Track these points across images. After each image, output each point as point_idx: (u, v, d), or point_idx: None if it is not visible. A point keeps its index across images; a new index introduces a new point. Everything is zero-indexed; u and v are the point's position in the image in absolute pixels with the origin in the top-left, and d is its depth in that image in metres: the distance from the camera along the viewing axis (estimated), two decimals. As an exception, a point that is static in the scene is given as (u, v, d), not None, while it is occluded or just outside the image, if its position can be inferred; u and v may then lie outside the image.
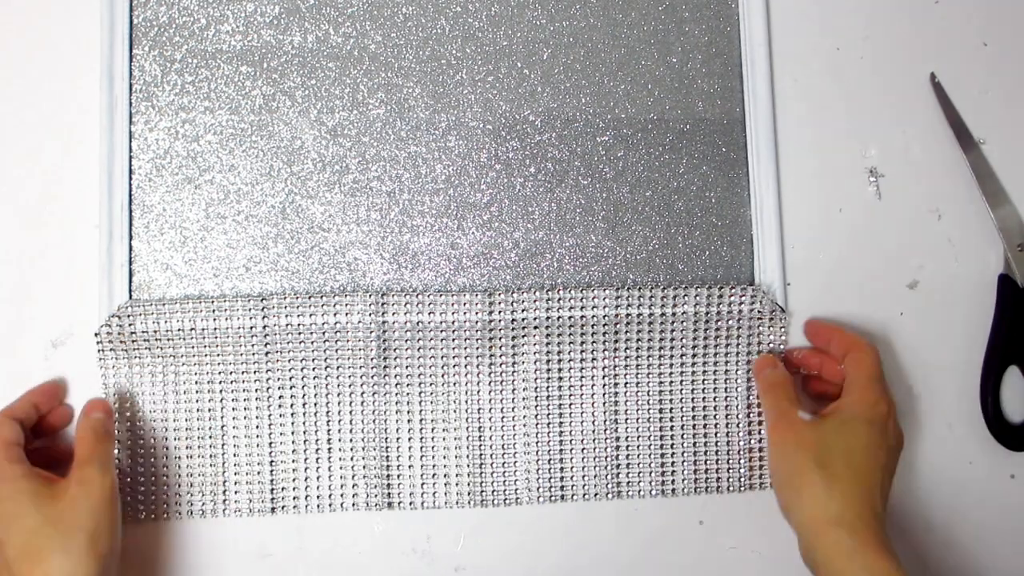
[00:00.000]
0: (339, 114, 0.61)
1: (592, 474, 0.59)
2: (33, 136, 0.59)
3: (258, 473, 0.58)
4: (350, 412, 0.58)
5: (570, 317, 0.59)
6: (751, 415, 0.60)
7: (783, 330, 0.60)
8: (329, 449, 0.58)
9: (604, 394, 0.59)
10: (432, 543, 0.59)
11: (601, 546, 0.60)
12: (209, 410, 0.58)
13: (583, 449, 0.59)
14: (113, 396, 0.57)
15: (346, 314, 0.57)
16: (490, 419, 0.59)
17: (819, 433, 0.53)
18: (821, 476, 0.51)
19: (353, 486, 0.58)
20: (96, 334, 0.57)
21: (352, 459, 0.58)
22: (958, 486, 0.61)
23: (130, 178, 0.59)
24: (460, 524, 0.59)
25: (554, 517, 0.60)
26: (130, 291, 0.58)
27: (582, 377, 0.59)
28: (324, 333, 0.57)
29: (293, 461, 0.58)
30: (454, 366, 0.59)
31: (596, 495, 0.59)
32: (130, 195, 0.59)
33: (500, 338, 0.59)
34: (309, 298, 0.57)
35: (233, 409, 0.58)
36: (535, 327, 0.59)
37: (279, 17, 0.61)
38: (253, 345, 0.57)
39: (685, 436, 0.60)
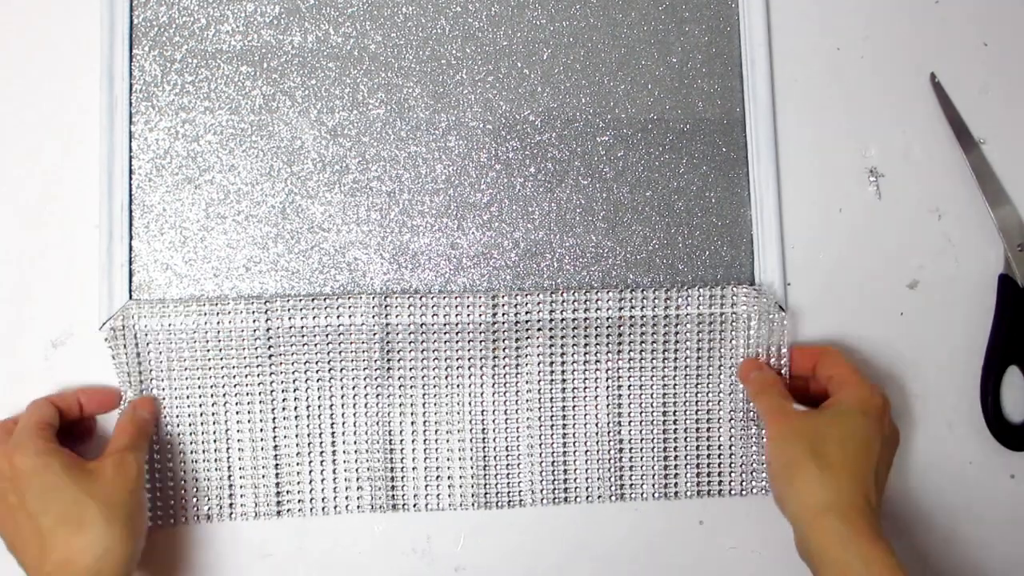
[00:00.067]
0: (339, 114, 0.61)
1: (595, 476, 0.59)
2: (33, 136, 0.59)
3: (263, 476, 0.58)
4: (354, 415, 0.58)
5: (574, 319, 0.59)
6: (755, 417, 0.60)
7: (784, 330, 0.60)
8: (333, 452, 0.58)
9: (607, 396, 0.59)
10: (432, 543, 0.59)
11: (601, 546, 0.60)
12: (213, 414, 0.58)
13: (586, 451, 0.59)
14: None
15: (349, 316, 0.57)
16: (494, 421, 0.59)
17: (814, 423, 0.54)
18: (815, 464, 0.51)
19: (358, 488, 0.58)
20: (105, 339, 0.56)
21: (356, 461, 0.58)
22: (958, 486, 0.61)
23: (130, 178, 0.59)
24: (460, 524, 0.59)
25: (554, 517, 0.60)
26: (130, 291, 0.58)
27: (585, 379, 0.59)
28: (327, 336, 0.57)
29: (298, 464, 0.58)
30: (457, 368, 0.59)
31: (599, 497, 0.59)
32: (130, 195, 0.59)
33: (503, 340, 0.59)
34: (312, 300, 0.57)
35: (237, 413, 0.58)
36: (538, 329, 0.59)
37: (279, 17, 0.61)
38: (256, 348, 0.57)
39: (688, 439, 0.60)
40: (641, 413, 0.60)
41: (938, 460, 0.61)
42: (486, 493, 0.59)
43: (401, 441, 0.58)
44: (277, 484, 0.58)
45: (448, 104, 0.61)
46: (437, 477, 0.59)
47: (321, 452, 0.58)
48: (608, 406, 0.59)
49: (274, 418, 0.58)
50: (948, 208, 0.63)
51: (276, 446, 0.58)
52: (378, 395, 0.58)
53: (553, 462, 0.59)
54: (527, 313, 0.58)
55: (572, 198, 0.61)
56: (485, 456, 0.59)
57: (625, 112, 0.62)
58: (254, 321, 0.57)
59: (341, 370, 0.58)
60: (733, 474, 0.60)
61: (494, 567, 0.59)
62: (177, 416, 0.57)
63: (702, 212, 0.62)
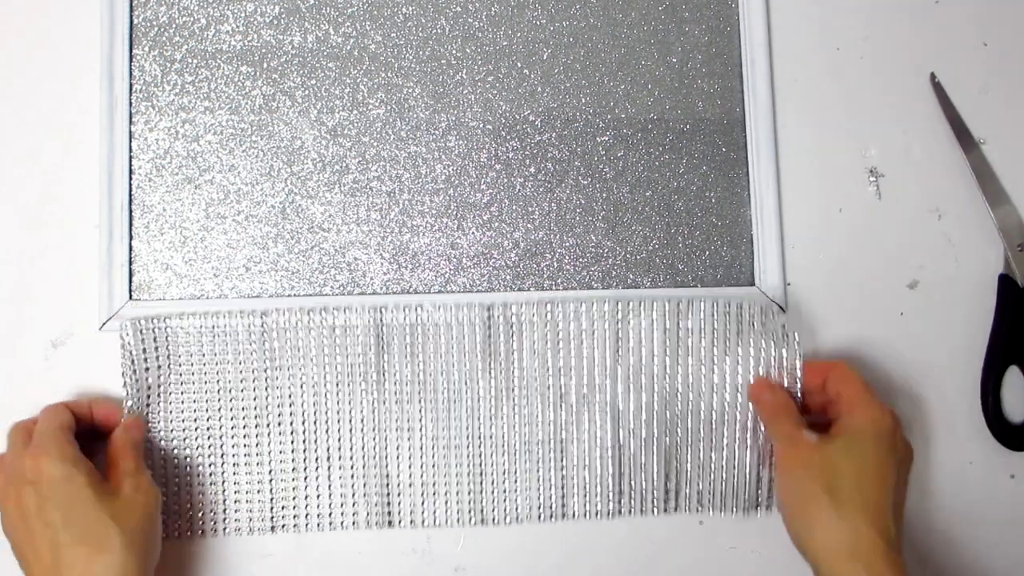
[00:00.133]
0: (339, 114, 0.61)
1: (595, 493, 0.59)
2: (33, 136, 0.59)
3: (258, 492, 0.57)
4: (349, 430, 0.58)
5: (572, 329, 0.58)
6: (757, 431, 0.58)
7: (796, 349, 0.58)
8: (328, 467, 0.58)
9: (609, 410, 0.59)
10: (432, 543, 0.59)
11: (601, 546, 0.60)
12: (208, 428, 0.57)
13: (586, 466, 0.59)
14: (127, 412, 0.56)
15: (344, 330, 0.57)
16: (491, 436, 0.58)
17: (826, 455, 0.52)
18: (831, 503, 0.50)
19: (353, 504, 0.58)
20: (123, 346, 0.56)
21: (352, 477, 0.58)
22: (958, 486, 0.61)
23: (130, 178, 0.59)
24: (460, 524, 0.59)
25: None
26: (130, 291, 0.58)
27: (585, 393, 0.59)
28: (323, 348, 0.57)
29: (293, 479, 0.57)
30: (454, 382, 0.58)
31: (597, 514, 0.59)
32: (130, 195, 0.59)
33: (500, 354, 0.58)
34: (308, 313, 0.57)
35: (232, 428, 0.57)
36: (535, 339, 0.58)
37: (279, 17, 0.61)
38: (252, 363, 0.57)
39: (691, 452, 0.59)
40: (644, 428, 0.59)
41: (938, 460, 0.61)
42: (483, 509, 0.58)
43: (397, 457, 0.58)
44: (271, 500, 0.57)
45: (448, 104, 0.61)
46: (433, 493, 0.58)
47: (316, 468, 0.57)
48: (609, 419, 0.58)
49: (269, 433, 0.57)
50: (948, 208, 0.63)
51: (271, 461, 0.57)
52: (373, 410, 0.58)
53: (551, 479, 0.59)
54: (523, 325, 0.58)
55: (572, 198, 0.61)
56: (482, 472, 0.58)
57: (625, 112, 0.62)
58: (250, 336, 0.56)
59: (336, 384, 0.57)
60: (738, 491, 0.59)
61: (494, 567, 0.59)
62: (172, 431, 0.57)
63: (702, 212, 0.62)
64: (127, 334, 0.56)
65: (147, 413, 0.56)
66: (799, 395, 0.58)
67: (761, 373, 0.58)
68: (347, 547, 0.58)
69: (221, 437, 0.57)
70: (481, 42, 0.62)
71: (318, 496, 0.58)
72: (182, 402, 0.57)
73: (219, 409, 0.57)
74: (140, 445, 0.55)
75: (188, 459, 0.57)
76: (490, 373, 0.58)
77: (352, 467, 0.58)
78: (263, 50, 0.61)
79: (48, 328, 0.58)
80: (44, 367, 0.58)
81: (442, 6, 0.62)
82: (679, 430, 0.59)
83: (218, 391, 0.57)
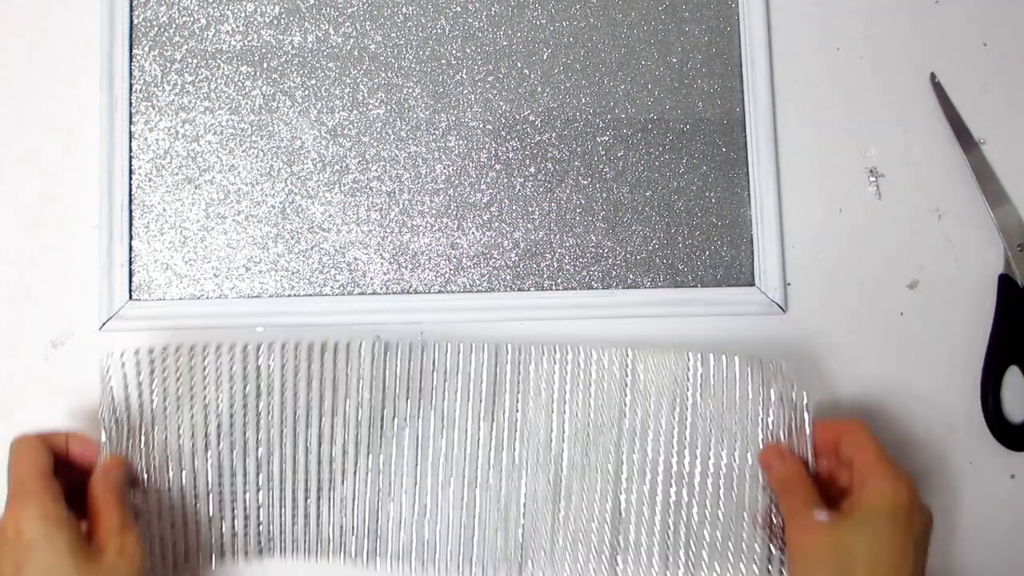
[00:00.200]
0: (339, 114, 0.61)
1: (589, 557, 0.56)
2: (33, 136, 0.59)
3: (245, 518, 0.56)
4: (343, 465, 0.56)
5: (580, 379, 0.57)
6: (765, 486, 0.56)
7: (806, 413, 0.55)
8: (319, 501, 0.56)
9: (610, 468, 0.56)
10: None
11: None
12: (193, 457, 0.55)
13: (576, 519, 0.57)
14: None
15: (345, 358, 0.55)
16: (488, 481, 0.57)
17: (840, 537, 0.49)
18: None
19: (341, 541, 0.56)
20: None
21: (341, 513, 0.56)
22: (958, 486, 0.61)
23: (130, 178, 0.59)
24: (460, 524, 0.59)
25: (554, 517, 0.60)
26: (130, 291, 0.58)
27: (587, 445, 0.57)
28: (322, 377, 0.56)
29: (280, 510, 0.56)
30: (453, 421, 0.56)
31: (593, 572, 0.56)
32: (130, 195, 0.59)
33: (504, 394, 0.57)
34: (306, 344, 0.55)
35: (220, 456, 0.55)
36: (539, 386, 0.57)
37: (279, 17, 0.61)
38: (245, 388, 0.55)
39: (696, 511, 0.56)
40: (647, 484, 0.56)
41: (938, 460, 0.61)
42: (472, 555, 0.56)
43: (390, 494, 0.56)
44: (258, 530, 0.56)
45: (448, 104, 0.61)
46: (425, 532, 0.56)
47: (306, 501, 0.56)
48: (611, 479, 0.56)
49: (258, 464, 0.55)
50: (948, 208, 0.63)
51: (259, 491, 0.56)
52: (369, 445, 0.56)
53: (545, 531, 0.56)
54: (530, 369, 0.56)
55: (572, 198, 0.61)
56: (476, 515, 0.57)
57: (625, 112, 0.62)
58: (245, 361, 0.55)
59: (333, 416, 0.56)
60: (736, 549, 0.56)
61: (494, 567, 0.59)
62: (158, 461, 0.54)
63: (702, 212, 0.62)
64: (107, 371, 0.54)
65: (128, 448, 0.54)
66: (811, 460, 0.55)
67: (770, 436, 0.56)
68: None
69: (208, 466, 0.55)
70: (481, 42, 0.62)
71: (306, 528, 0.56)
72: (165, 437, 0.55)
73: (206, 435, 0.55)
74: (122, 489, 0.51)
75: (173, 488, 0.55)
76: (492, 415, 0.57)
77: (342, 501, 0.56)
78: (263, 50, 0.61)
79: (48, 328, 0.58)
80: (44, 367, 0.58)
81: (442, 6, 0.62)
82: (683, 486, 0.56)
83: (212, 415, 0.55)
